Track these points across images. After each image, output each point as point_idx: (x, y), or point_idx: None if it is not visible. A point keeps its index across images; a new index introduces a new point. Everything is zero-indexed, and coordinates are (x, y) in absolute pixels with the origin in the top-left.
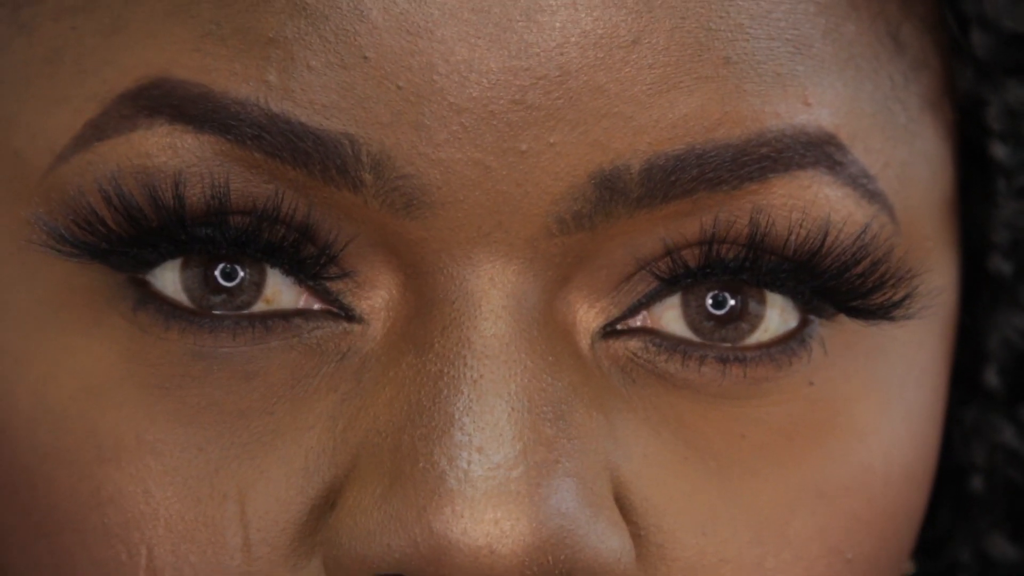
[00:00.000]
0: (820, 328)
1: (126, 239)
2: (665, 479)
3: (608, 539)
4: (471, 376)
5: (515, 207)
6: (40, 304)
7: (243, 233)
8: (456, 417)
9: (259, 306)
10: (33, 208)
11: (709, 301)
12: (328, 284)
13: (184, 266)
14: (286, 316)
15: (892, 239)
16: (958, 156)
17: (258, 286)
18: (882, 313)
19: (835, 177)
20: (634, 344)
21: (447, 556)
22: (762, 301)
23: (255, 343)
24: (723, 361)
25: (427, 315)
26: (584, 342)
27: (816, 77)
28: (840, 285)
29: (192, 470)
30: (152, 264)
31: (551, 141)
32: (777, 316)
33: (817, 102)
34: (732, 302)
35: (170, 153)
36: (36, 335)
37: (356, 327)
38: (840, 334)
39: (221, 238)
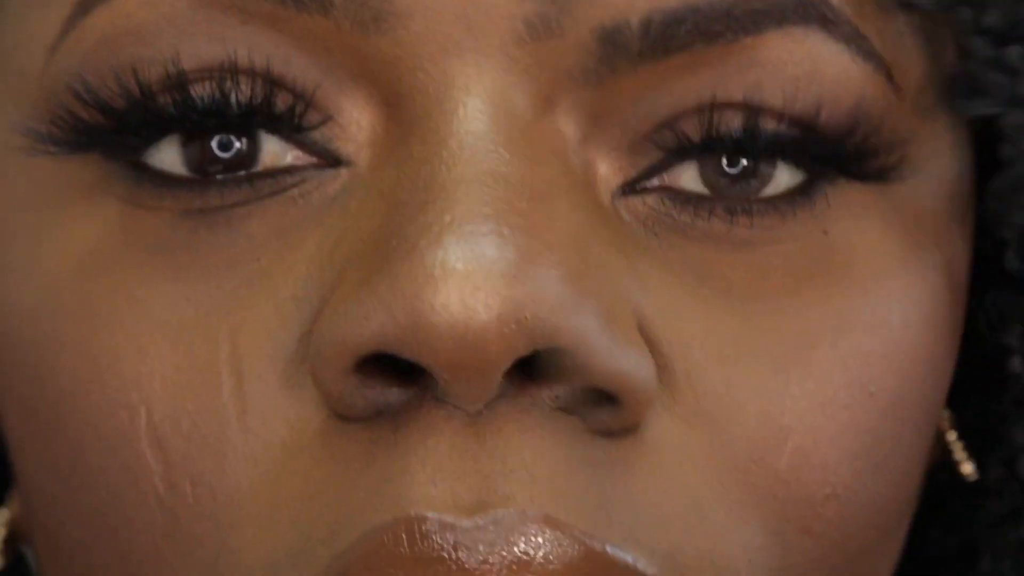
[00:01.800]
0: (828, 188)
1: (125, 115)
2: (689, 315)
3: (584, 319)
4: (446, 167)
5: (482, 9)
6: (43, 202)
7: (243, 105)
8: (430, 200)
9: (270, 166)
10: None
11: (724, 161)
12: (312, 133)
13: (183, 143)
14: (272, 174)
15: (889, 100)
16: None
17: (254, 153)
18: (880, 175)
19: (829, 34)
20: (651, 200)
21: (423, 319)
22: (772, 163)
23: (243, 202)
24: (731, 212)
25: (408, 135)
26: (604, 197)
27: None
28: (840, 148)
29: (183, 321)
30: (140, 148)
31: None
32: (787, 176)
33: None
34: (744, 162)
35: (147, 9)
36: (38, 235)
37: (343, 171)
38: (849, 194)
39: (215, 109)
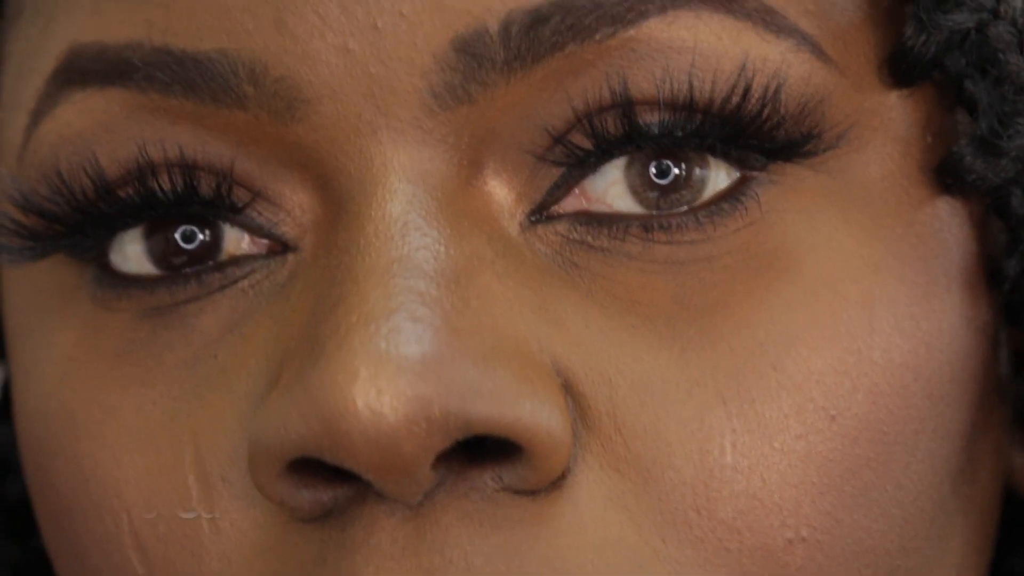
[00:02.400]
0: (762, 186)
1: (65, 220)
2: (611, 348)
3: (513, 393)
4: (361, 257)
5: (387, 87)
6: (34, 307)
7: (168, 194)
8: (343, 295)
9: (222, 259)
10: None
11: (652, 171)
12: (258, 219)
13: (146, 234)
14: (220, 267)
15: (820, 75)
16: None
17: (216, 242)
18: (823, 153)
19: (728, 13)
20: (562, 227)
21: (334, 424)
22: (706, 165)
23: (197, 298)
24: (647, 229)
25: (337, 220)
26: (511, 228)
27: None
28: (754, 129)
29: (150, 425)
30: (95, 247)
31: (403, 12)
32: (724, 178)
33: None
34: (676, 171)
35: (82, 117)
36: (33, 338)
37: (291, 257)
38: (793, 185)
39: (145, 203)
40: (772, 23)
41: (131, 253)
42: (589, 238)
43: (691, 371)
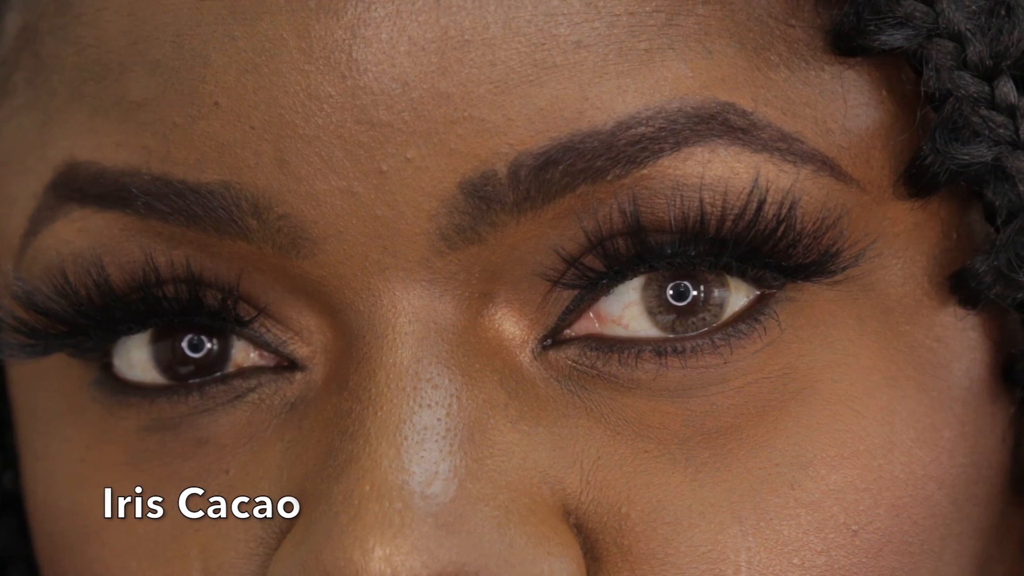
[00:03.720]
0: (780, 301)
1: (68, 320)
2: (622, 478)
3: (529, 558)
4: (373, 409)
5: (394, 230)
6: (41, 399)
7: (173, 303)
8: (355, 454)
9: (229, 371)
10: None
11: (670, 292)
12: (265, 335)
13: (152, 340)
14: (224, 380)
15: (841, 195)
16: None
17: (224, 352)
18: (843, 271)
19: (745, 146)
20: (571, 352)
21: None
22: (724, 287)
23: (201, 410)
24: (660, 354)
25: (348, 353)
26: (523, 357)
27: (700, 45)
28: (779, 254)
29: (160, 537)
30: (102, 344)
31: (408, 156)
32: (743, 298)
33: (703, 71)
34: (694, 292)
35: (83, 236)
36: (45, 432)
37: (299, 375)
38: (811, 302)
39: (150, 311)
40: (789, 151)
41: (136, 359)
42: (599, 364)
43: (705, 493)
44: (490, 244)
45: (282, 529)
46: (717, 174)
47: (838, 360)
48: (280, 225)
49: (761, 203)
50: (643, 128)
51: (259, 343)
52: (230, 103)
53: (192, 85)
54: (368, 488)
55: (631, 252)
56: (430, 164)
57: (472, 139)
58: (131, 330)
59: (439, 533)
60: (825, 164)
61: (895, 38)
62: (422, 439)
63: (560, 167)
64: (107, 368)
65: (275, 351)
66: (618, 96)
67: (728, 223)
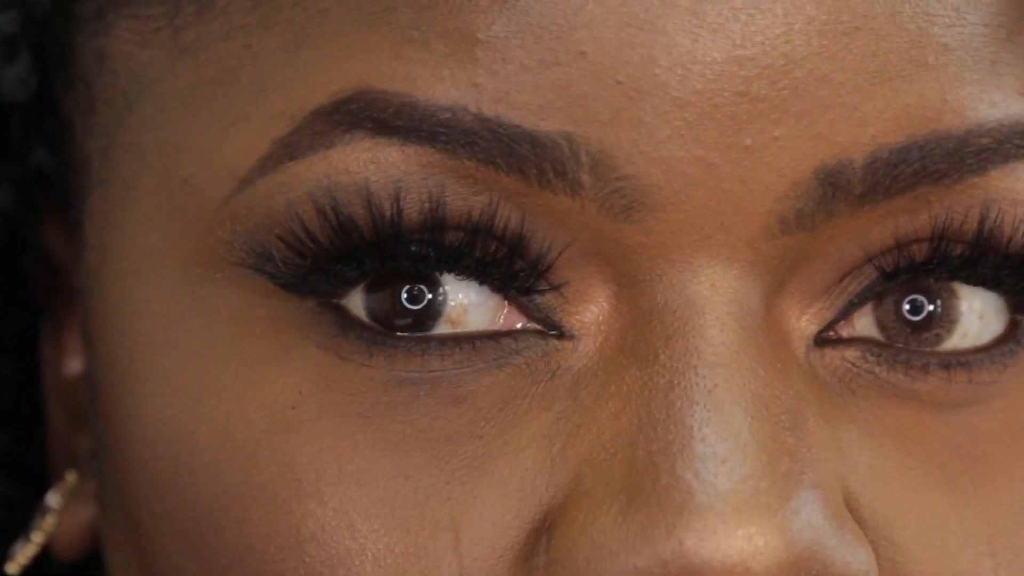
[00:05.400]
0: None
1: (333, 256)
2: (891, 491)
3: (855, 552)
4: (704, 386)
5: (738, 207)
6: (218, 338)
7: (455, 249)
8: (695, 429)
9: (443, 327)
10: (215, 234)
11: (906, 307)
12: (538, 299)
13: (368, 289)
14: (495, 337)
15: None
16: None
17: (441, 307)
18: None
19: None
20: (851, 354)
21: (697, 563)
22: (957, 307)
23: (463, 366)
24: (946, 367)
25: (646, 326)
26: (800, 350)
27: None
28: None
29: (400, 500)
30: (349, 285)
31: (776, 135)
32: (976, 321)
33: None
34: (930, 307)
35: (373, 168)
36: (216, 371)
37: (566, 344)
38: None
39: (433, 254)
40: None
41: (353, 304)
42: (879, 369)
43: (968, 522)
44: (817, 233)
45: (544, 504)
46: None
47: None
48: (619, 186)
49: None
50: (987, 139)
51: (529, 308)
52: (599, 55)
53: (557, 31)
54: (722, 467)
55: (963, 255)
56: (794, 145)
57: (839, 125)
58: (415, 270)
59: (794, 517)
60: None
61: None
62: (761, 421)
63: (912, 165)
64: (339, 310)
65: (545, 317)
66: (970, 103)
67: None
